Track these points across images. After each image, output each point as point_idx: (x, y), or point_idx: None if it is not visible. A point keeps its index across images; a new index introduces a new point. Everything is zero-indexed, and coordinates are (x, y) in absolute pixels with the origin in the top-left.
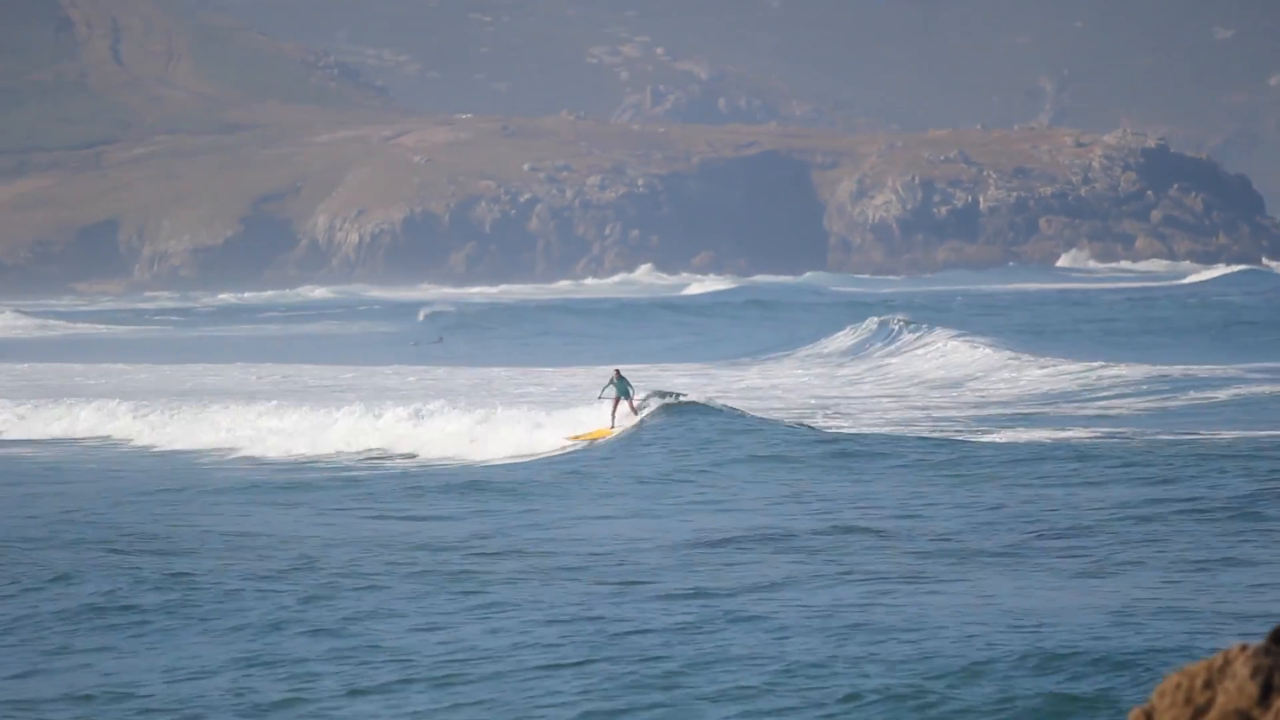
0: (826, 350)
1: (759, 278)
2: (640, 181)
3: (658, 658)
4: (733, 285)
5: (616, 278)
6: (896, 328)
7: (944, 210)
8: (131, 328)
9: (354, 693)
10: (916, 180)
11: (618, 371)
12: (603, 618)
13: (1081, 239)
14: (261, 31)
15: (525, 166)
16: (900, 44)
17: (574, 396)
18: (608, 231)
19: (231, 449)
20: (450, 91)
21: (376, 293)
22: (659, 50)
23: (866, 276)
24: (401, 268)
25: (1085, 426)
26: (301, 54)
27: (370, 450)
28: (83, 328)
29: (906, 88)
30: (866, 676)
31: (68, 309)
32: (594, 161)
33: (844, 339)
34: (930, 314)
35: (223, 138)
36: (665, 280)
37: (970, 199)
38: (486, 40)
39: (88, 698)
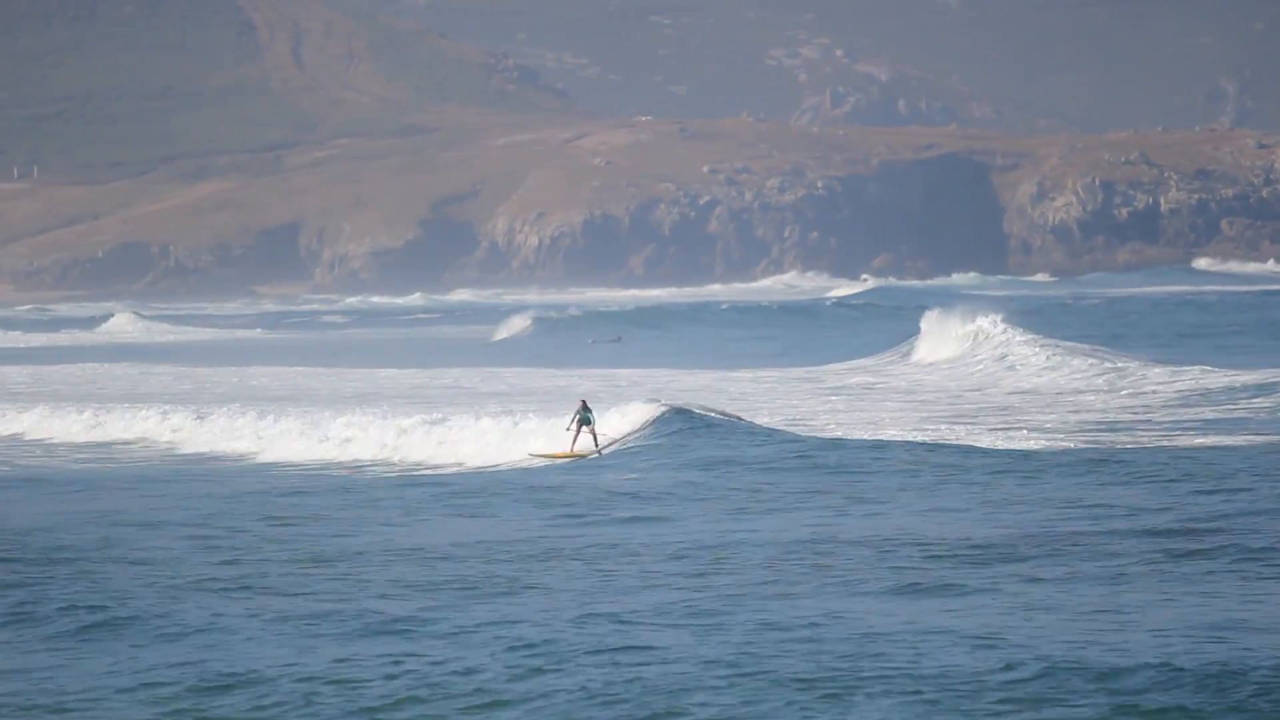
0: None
1: (935, 280)
2: (819, 184)
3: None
4: (868, 287)
5: (769, 280)
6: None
7: (1124, 212)
8: (274, 332)
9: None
10: (1097, 182)
11: (584, 403)
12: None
13: (1263, 241)
14: (441, 34)
15: (705, 169)
16: (1080, 45)
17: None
18: (787, 234)
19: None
20: (629, 94)
21: (534, 296)
22: (838, 52)
23: (1036, 279)
24: (581, 270)
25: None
26: (481, 57)
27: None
28: (203, 332)
29: (1087, 89)
30: (1008, 672)
31: (184, 313)
32: (773, 164)
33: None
34: (1031, 318)
35: (403, 140)
36: (818, 283)
37: (1151, 201)
38: (665, 43)
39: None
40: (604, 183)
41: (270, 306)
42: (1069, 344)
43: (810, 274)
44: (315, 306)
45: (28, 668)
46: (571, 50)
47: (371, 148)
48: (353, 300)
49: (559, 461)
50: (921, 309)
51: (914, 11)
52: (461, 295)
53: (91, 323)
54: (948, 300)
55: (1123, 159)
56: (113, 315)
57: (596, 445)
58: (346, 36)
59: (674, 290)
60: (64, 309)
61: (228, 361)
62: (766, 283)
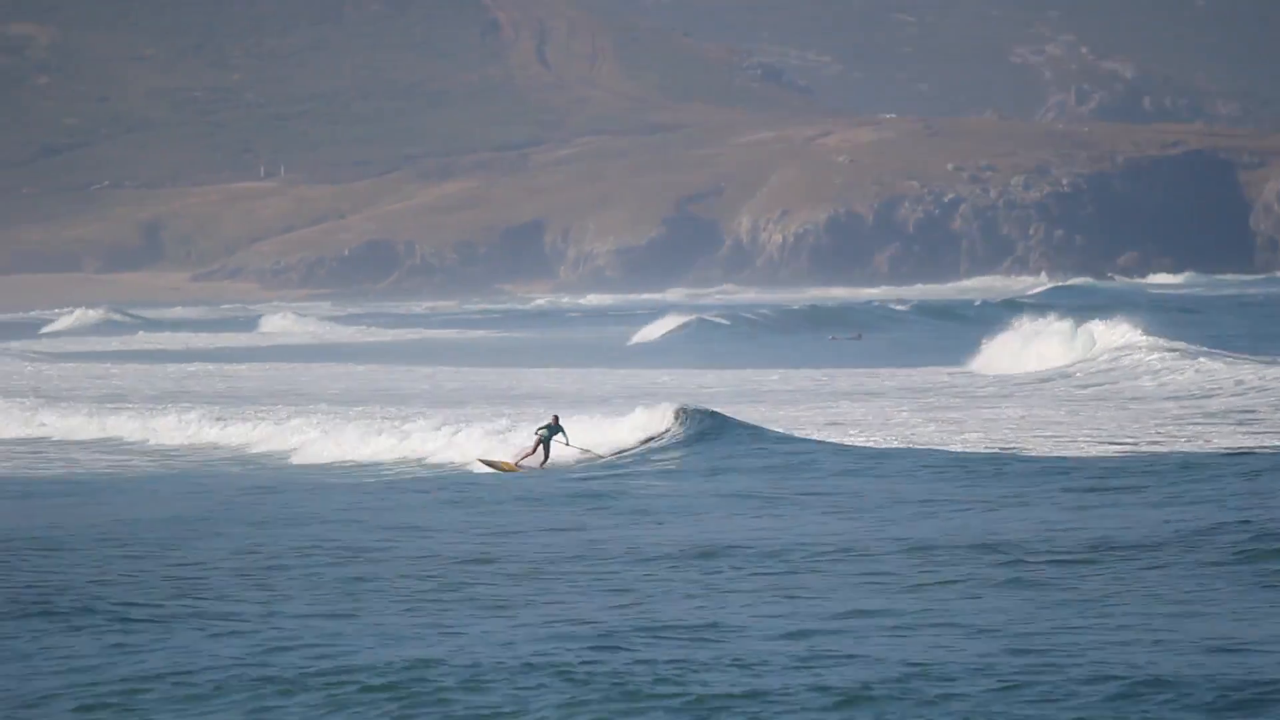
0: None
1: (1158, 277)
2: (1065, 181)
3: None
4: (1049, 287)
5: (976, 280)
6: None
7: None
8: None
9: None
10: None
11: (556, 418)
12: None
13: None
14: (685, 33)
15: (949, 166)
16: None
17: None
18: (1031, 232)
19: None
20: (873, 91)
21: (751, 295)
22: (1084, 49)
23: (1248, 277)
24: (825, 269)
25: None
26: (725, 55)
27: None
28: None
29: None
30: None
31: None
32: (1018, 161)
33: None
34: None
35: (646, 138)
36: (1042, 282)
37: None
38: (909, 40)
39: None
40: (847, 181)
41: (482, 304)
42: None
43: (1059, 273)
44: (513, 305)
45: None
46: (815, 48)
47: (615, 146)
48: (563, 299)
49: (504, 472)
50: (1091, 310)
51: (1160, 8)
52: (675, 294)
53: (250, 324)
54: (1128, 301)
55: None
56: (281, 316)
57: (545, 461)
58: (590, 35)
59: (920, 288)
60: (260, 308)
61: (336, 359)
62: (967, 283)
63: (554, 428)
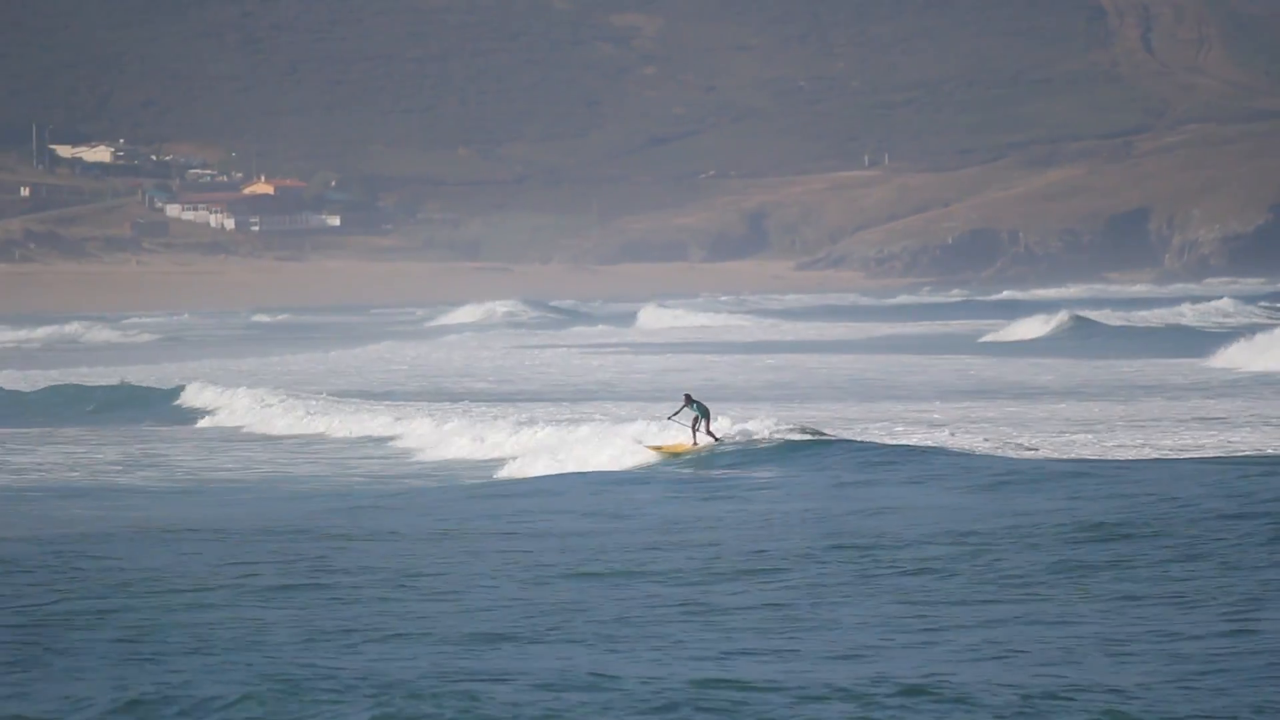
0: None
1: None
2: None
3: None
4: None
5: None
6: None
7: None
8: None
9: None
10: None
11: (688, 396)
12: None
13: None
14: None
15: None
16: None
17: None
18: None
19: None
20: None
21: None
22: None
23: None
24: None
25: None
26: None
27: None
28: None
29: None
30: None
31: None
32: None
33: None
34: None
35: (1253, 126)
36: None
37: None
38: None
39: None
40: None
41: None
42: None
43: None
44: (973, 295)
45: None
46: None
47: (1221, 133)
48: (1169, 288)
49: (680, 455)
50: None
51: None
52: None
53: (626, 319)
54: None
55: None
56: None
57: (694, 439)
58: (1197, 21)
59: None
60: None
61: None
62: None
63: (695, 405)
